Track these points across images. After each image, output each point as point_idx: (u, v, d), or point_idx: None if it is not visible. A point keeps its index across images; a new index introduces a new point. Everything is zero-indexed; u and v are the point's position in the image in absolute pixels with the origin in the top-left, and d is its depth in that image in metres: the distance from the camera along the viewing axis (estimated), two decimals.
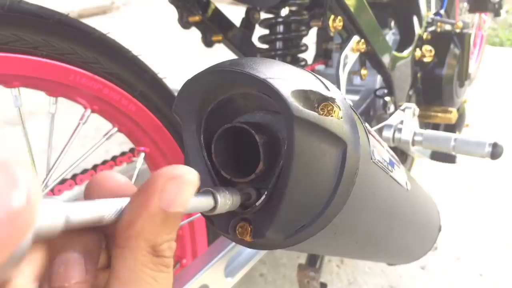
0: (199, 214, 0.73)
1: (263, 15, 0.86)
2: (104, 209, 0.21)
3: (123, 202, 0.22)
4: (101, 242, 0.23)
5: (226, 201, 0.27)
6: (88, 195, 0.23)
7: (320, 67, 1.11)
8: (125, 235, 0.21)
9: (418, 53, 1.15)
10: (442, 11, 1.39)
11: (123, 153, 0.77)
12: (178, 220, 0.22)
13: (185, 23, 0.83)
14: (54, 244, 0.21)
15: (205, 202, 0.26)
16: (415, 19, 1.16)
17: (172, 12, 0.84)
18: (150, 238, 0.21)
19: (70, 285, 0.20)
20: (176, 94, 0.31)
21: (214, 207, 0.26)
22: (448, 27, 1.35)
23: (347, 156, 0.28)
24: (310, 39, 0.93)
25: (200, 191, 0.26)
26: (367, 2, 0.86)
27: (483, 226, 1.38)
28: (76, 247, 0.21)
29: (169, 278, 0.23)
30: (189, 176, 0.22)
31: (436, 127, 1.34)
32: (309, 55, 0.97)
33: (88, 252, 0.21)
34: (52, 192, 0.68)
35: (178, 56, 2.78)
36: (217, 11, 0.85)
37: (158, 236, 0.22)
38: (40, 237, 0.18)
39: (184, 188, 0.21)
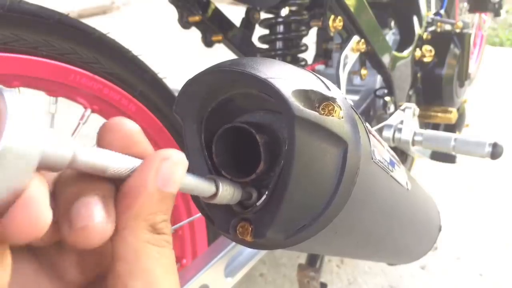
0: (199, 214, 0.72)
1: (263, 15, 0.86)
2: (111, 160, 0.22)
3: (131, 161, 0.23)
4: (115, 189, 0.24)
5: (227, 190, 0.27)
6: (100, 139, 0.23)
7: (320, 67, 1.11)
8: (124, 217, 0.22)
9: (418, 53, 1.15)
10: (442, 11, 1.39)
11: None
12: (172, 201, 0.23)
13: (185, 23, 0.83)
14: (72, 190, 0.22)
15: (207, 186, 0.26)
16: (415, 19, 1.16)
17: (172, 12, 0.84)
18: (149, 217, 0.22)
19: (94, 225, 0.20)
20: (176, 94, 0.31)
21: (215, 194, 0.27)
22: (448, 27, 1.35)
23: (348, 156, 0.28)
24: (310, 39, 0.93)
25: (204, 176, 0.27)
26: (367, 2, 0.86)
27: (483, 226, 1.38)
28: (95, 191, 0.22)
29: (172, 254, 0.24)
30: (179, 156, 0.23)
31: (436, 127, 1.34)
32: (309, 55, 0.97)
33: (106, 198, 0.22)
34: None
35: (178, 56, 2.78)
36: (217, 11, 0.85)
37: (156, 215, 0.23)
38: (48, 163, 0.19)
39: (176, 167, 0.23)
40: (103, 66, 0.62)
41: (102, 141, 0.23)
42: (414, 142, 0.97)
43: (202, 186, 0.26)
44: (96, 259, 0.25)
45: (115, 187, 0.23)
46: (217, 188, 0.27)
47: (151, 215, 0.22)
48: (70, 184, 0.22)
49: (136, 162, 0.23)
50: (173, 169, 0.23)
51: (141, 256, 0.22)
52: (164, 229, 0.23)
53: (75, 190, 0.22)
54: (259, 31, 0.86)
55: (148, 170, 0.22)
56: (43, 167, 0.19)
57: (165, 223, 0.23)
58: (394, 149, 0.98)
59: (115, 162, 0.22)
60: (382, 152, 0.37)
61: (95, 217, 0.21)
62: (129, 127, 0.23)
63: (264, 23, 0.83)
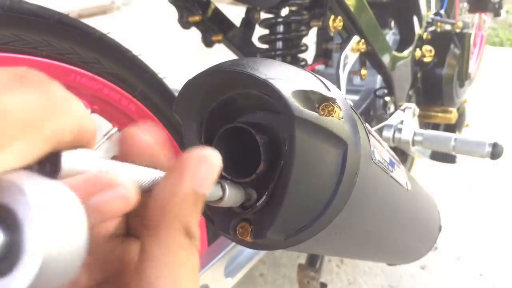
0: None
1: (263, 15, 0.86)
2: (138, 174, 0.21)
3: (156, 173, 0.22)
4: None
5: (232, 193, 0.27)
6: (124, 148, 0.23)
7: (320, 67, 1.11)
8: (158, 216, 0.21)
9: (418, 53, 1.15)
10: (442, 11, 1.39)
11: None
12: (203, 203, 0.23)
13: (185, 23, 0.83)
14: None
15: (214, 190, 0.26)
16: (415, 19, 1.16)
17: (172, 12, 0.84)
18: (184, 219, 0.22)
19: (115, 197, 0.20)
20: (176, 94, 0.31)
21: (222, 198, 0.26)
22: (448, 27, 1.35)
23: (348, 156, 0.28)
24: (310, 39, 0.93)
25: None
26: (367, 2, 0.86)
27: (483, 226, 1.38)
28: None
29: (197, 261, 0.23)
30: (217, 158, 0.23)
31: (436, 127, 1.34)
32: (309, 55, 0.97)
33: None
34: None
35: (178, 56, 2.78)
36: (217, 11, 0.85)
37: (191, 218, 0.22)
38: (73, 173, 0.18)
39: (213, 169, 0.22)
40: (103, 66, 0.62)
41: (123, 152, 0.23)
42: (414, 142, 0.97)
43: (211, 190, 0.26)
44: (103, 263, 0.25)
45: None
46: (224, 192, 0.26)
47: (186, 217, 0.22)
48: None
49: (158, 174, 0.22)
50: (210, 170, 0.22)
51: (172, 260, 0.22)
52: (195, 234, 0.23)
53: None
54: (259, 31, 0.86)
55: (186, 170, 0.22)
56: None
57: (196, 227, 0.23)
58: (394, 149, 0.98)
59: (142, 176, 0.21)
60: (382, 152, 0.37)
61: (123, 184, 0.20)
62: (144, 140, 0.23)
63: (264, 23, 0.83)
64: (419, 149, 1.00)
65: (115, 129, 0.71)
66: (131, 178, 0.21)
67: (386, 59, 0.96)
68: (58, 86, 0.20)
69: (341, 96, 0.29)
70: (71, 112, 0.19)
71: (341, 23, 0.80)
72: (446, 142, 0.93)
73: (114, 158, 0.23)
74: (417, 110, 1.02)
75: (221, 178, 0.30)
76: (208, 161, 0.22)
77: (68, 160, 0.18)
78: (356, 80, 1.17)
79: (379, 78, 1.07)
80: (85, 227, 0.17)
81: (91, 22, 0.65)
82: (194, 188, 0.22)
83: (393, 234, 0.47)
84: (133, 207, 0.20)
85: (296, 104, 0.26)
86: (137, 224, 0.25)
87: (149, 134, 0.23)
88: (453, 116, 1.23)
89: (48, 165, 0.18)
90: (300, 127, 0.26)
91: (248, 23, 0.87)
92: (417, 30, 1.16)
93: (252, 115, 0.31)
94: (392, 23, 1.18)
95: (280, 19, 0.80)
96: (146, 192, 0.22)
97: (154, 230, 0.22)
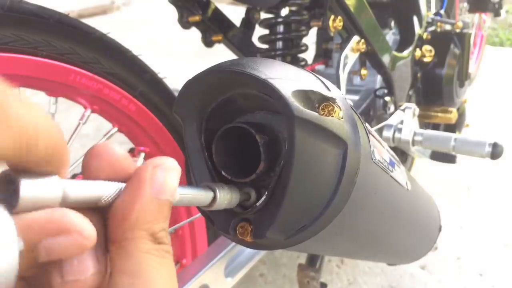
0: (199, 214, 0.72)
1: (263, 15, 0.86)
2: (103, 189, 0.21)
3: (121, 185, 0.22)
4: (105, 230, 0.23)
5: (225, 196, 0.27)
6: (86, 166, 0.23)
7: (320, 67, 1.11)
8: (122, 228, 0.21)
9: (418, 53, 1.15)
10: (442, 11, 1.39)
11: None
12: (169, 209, 0.23)
13: (185, 23, 0.83)
14: None
15: (204, 195, 0.26)
16: (415, 19, 1.16)
17: (172, 12, 0.84)
18: (148, 226, 0.22)
19: (86, 278, 0.20)
20: (176, 94, 0.31)
21: (213, 202, 0.26)
22: (448, 27, 1.35)
23: (348, 156, 0.28)
24: (310, 39, 0.93)
25: (200, 185, 0.27)
26: (367, 2, 0.86)
27: (483, 226, 1.38)
28: None
29: (172, 265, 0.23)
30: (171, 162, 0.23)
31: (436, 127, 1.34)
32: (309, 55, 0.97)
33: (98, 242, 0.21)
34: None
35: (178, 56, 2.78)
36: (217, 11, 0.85)
37: (155, 224, 0.22)
38: (37, 205, 0.18)
39: (170, 173, 0.22)
40: (103, 66, 0.62)
41: (88, 167, 0.22)
42: (414, 142, 0.97)
43: (199, 196, 0.26)
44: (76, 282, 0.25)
45: (102, 221, 0.23)
46: (215, 196, 0.26)
47: (150, 224, 0.22)
48: None
49: (121, 186, 0.22)
50: (167, 176, 0.22)
51: (142, 268, 0.21)
52: (163, 239, 0.23)
53: None
54: (259, 31, 0.86)
55: (142, 178, 0.22)
56: (33, 209, 0.18)
57: (165, 232, 0.23)
58: (394, 149, 0.98)
59: (107, 190, 0.21)
60: (382, 152, 0.37)
61: (88, 270, 0.20)
62: (115, 152, 0.23)
63: (264, 23, 0.83)
64: (419, 149, 1.00)
65: (115, 129, 0.71)
66: (94, 195, 0.21)
67: (386, 59, 0.96)
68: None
69: (341, 96, 0.29)
70: (9, 124, 0.16)
71: (341, 23, 0.80)
72: (446, 142, 0.93)
73: (75, 176, 0.22)
74: (417, 110, 1.02)
75: (220, 180, 0.30)
76: (163, 167, 0.22)
77: (26, 187, 0.18)
78: (356, 80, 1.17)
79: (379, 78, 1.07)
80: (15, 257, 0.16)
81: (91, 22, 0.65)
82: (153, 194, 0.22)
83: (393, 234, 0.47)
84: (91, 247, 0.19)
85: (296, 104, 0.26)
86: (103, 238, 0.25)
87: (118, 148, 0.23)
88: (453, 116, 1.23)
89: (8, 194, 0.18)
90: (300, 127, 0.26)
91: (248, 23, 0.87)
92: (417, 30, 1.16)
93: (252, 115, 0.31)
94: (392, 23, 1.18)
95: (280, 19, 0.80)
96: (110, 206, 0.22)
97: (119, 243, 0.22)
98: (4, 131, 0.16)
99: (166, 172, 0.22)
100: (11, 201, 0.18)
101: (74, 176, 0.74)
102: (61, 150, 0.19)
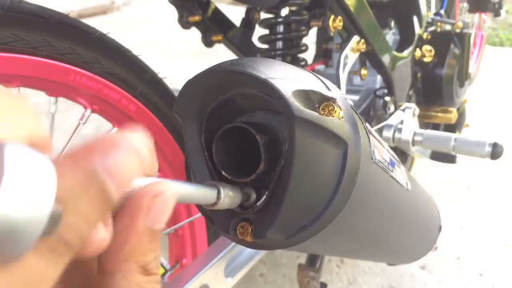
0: (199, 214, 0.72)
1: (263, 15, 0.86)
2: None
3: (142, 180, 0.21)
4: None
5: (228, 196, 0.27)
6: None
7: (320, 67, 1.11)
8: (115, 260, 0.21)
9: (418, 53, 1.15)
10: (442, 11, 1.39)
11: None
12: (161, 234, 0.22)
13: (185, 23, 0.83)
14: None
15: (208, 194, 0.26)
16: (415, 19, 1.15)
17: (172, 12, 0.84)
18: (140, 258, 0.21)
19: (95, 238, 0.20)
20: (176, 94, 0.31)
21: (217, 201, 0.26)
22: (448, 27, 1.35)
23: (348, 156, 0.28)
24: (310, 39, 0.93)
25: (204, 183, 0.26)
26: (367, 2, 0.86)
27: (483, 226, 1.38)
28: None
29: None
30: (171, 190, 0.22)
31: (436, 127, 1.34)
32: (309, 55, 0.97)
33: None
34: None
35: (178, 56, 2.78)
36: (217, 11, 0.85)
37: (147, 256, 0.22)
38: None
39: (168, 202, 0.22)
40: (103, 66, 0.62)
41: None
42: (414, 142, 0.97)
43: (204, 194, 0.25)
44: (83, 277, 0.25)
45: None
46: (219, 195, 0.26)
47: (142, 256, 0.22)
48: None
49: (143, 181, 0.22)
50: (165, 205, 0.21)
51: None
52: (154, 269, 0.22)
53: None
54: (259, 31, 0.86)
55: (139, 209, 0.21)
56: None
57: (155, 261, 0.22)
58: (394, 149, 0.98)
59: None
60: (382, 152, 0.37)
61: (97, 231, 0.20)
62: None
63: (264, 23, 0.83)
64: (419, 149, 1.00)
65: (115, 129, 0.71)
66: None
67: (386, 59, 0.96)
68: None
69: (341, 96, 0.29)
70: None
71: (341, 23, 0.80)
72: (446, 142, 0.93)
73: None
74: (417, 110, 1.02)
75: (220, 179, 0.30)
76: (162, 197, 0.21)
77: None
78: (356, 80, 1.17)
79: (379, 78, 1.07)
80: (51, 201, 0.16)
81: (91, 22, 0.65)
82: (148, 226, 0.21)
83: (393, 234, 0.47)
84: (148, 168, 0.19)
85: (296, 103, 0.26)
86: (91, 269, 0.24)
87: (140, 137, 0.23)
88: (453, 116, 1.23)
89: None
90: (300, 127, 0.26)
91: (248, 23, 0.87)
92: (417, 30, 1.16)
93: (252, 115, 0.31)
94: (392, 23, 1.18)
95: (280, 19, 0.80)
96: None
97: (111, 275, 0.21)
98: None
99: (165, 202, 0.21)
100: None
101: None
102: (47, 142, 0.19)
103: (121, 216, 0.21)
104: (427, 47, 1.15)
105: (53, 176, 0.16)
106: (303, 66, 0.87)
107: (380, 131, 0.96)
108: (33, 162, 0.15)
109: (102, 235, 0.20)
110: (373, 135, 0.36)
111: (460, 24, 1.30)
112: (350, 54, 0.84)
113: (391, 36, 1.19)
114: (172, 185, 0.22)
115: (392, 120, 0.96)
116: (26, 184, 0.15)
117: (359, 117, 0.32)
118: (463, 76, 1.32)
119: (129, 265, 0.21)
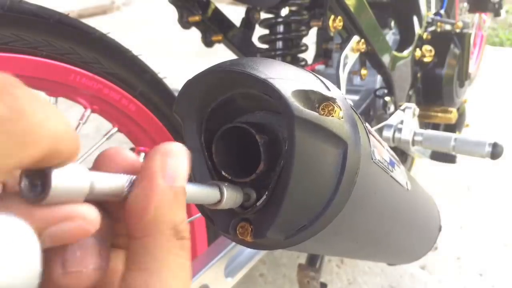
0: (199, 214, 0.72)
1: (263, 15, 0.86)
2: (124, 181, 0.21)
3: (131, 177, 0.22)
4: (111, 227, 0.22)
5: (231, 196, 0.27)
6: (96, 169, 0.22)
7: (320, 67, 1.11)
8: (142, 223, 0.21)
9: (418, 53, 1.15)
10: (442, 11, 1.39)
11: None
12: (185, 197, 0.22)
13: (185, 23, 0.83)
14: None
15: (211, 194, 0.26)
16: (415, 19, 1.15)
17: (172, 12, 0.84)
18: (169, 219, 0.21)
19: (88, 271, 0.20)
20: (176, 94, 0.31)
21: (220, 201, 0.26)
22: (448, 27, 1.35)
23: (348, 156, 0.28)
24: (310, 39, 0.93)
25: (207, 183, 0.26)
26: (367, 2, 0.86)
27: (483, 226, 1.38)
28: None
29: (188, 265, 0.22)
30: (179, 147, 0.22)
31: (436, 127, 1.34)
32: (309, 55, 0.97)
33: (102, 237, 0.21)
34: None
35: (178, 56, 2.78)
36: (217, 11, 0.85)
37: (176, 215, 0.21)
38: (65, 201, 0.18)
39: (180, 159, 0.21)
40: (103, 66, 0.62)
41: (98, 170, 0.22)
42: (414, 142, 0.97)
43: (207, 194, 0.25)
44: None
45: (112, 219, 0.22)
46: (222, 195, 0.26)
47: (171, 216, 0.21)
48: None
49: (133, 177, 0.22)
50: (177, 162, 0.21)
51: (163, 269, 0.21)
52: (185, 232, 0.22)
53: None
54: (259, 31, 0.86)
55: (153, 169, 0.21)
56: (60, 201, 0.18)
57: (185, 224, 0.22)
58: (394, 149, 0.98)
59: (128, 183, 0.21)
60: (382, 152, 0.37)
61: (90, 263, 0.20)
62: (127, 156, 0.22)
63: (264, 23, 0.83)
64: (419, 149, 1.00)
65: (115, 129, 0.71)
66: (116, 187, 0.20)
67: (386, 59, 0.96)
68: (23, 95, 0.16)
69: (341, 96, 0.29)
70: (39, 139, 0.16)
71: (341, 23, 0.80)
72: (446, 142, 0.93)
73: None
74: (417, 110, 1.02)
75: (220, 179, 0.30)
76: (172, 153, 0.21)
77: (57, 177, 0.17)
78: (356, 80, 1.17)
79: (379, 78, 1.07)
80: (38, 259, 0.16)
81: (91, 22, 0.65)
82: (167, 184, 0.21)
83: (393, 234, 0.47)
84: (94, 231, 0.19)
85: (296, 103, 0.26)
86: (120, 232, 0.24)
87: (129, 153, 0.22)
88: (453, 116, 1.23)
89: (39, 185, 0.17)
90: (300, 127, 0.26)
91: (248, 23, 0.87)
92: (417, 30, 1.16)
93: (252, 115, 0.31)
94: (392, 23, 1.18)
95: (280, 19, 0.80)
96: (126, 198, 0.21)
97: (140, 239, 0.21)
98: (27, 143, 0.16)
99: (176, 158, 0.21)
100: (38, 194, 0.17)
101: None
102: (75, 156, 0.19)
103: (139, 181, 0.21)
104: (427, 47, 1.15)
105: (33, 238, 0.16)
106: (303, 66, 0.87)
107: (380, 131, 0.96)
108: (10, 229, 0.16)
109: (96, 266, 0.20)
110: (373, 135, 0.36)
111: (460, 24, 1.30)
112: (350, 54, 0.84)
113: (391, 36, 1.19)
114: (180, 144, 0.22)
115: (392, 120, 0.96)
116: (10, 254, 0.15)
117: (359, 117, 0.32)
118: (463, 76, 1.32)
119: (159, 227, 0.21)
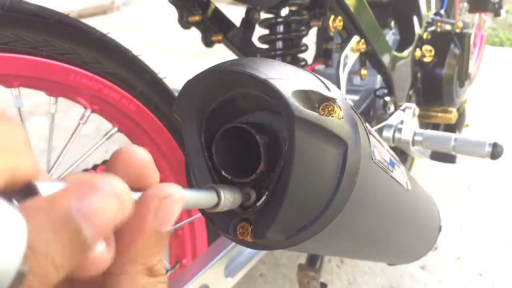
0: (199, 214, 0.73)
1: (263, 15, 0.86)
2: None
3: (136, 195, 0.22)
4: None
5: (228, 198, 0.27)
6: (112, 167, 0.22)
7: (320, 67, 1.11)
8: (120, 262, 0.21)
9: (418, 53, 1.15)
10: (442, 11, 1.39)
11: None
12: (167, 236, 0.22)
13: (185, 23, 0.83)
14: None
15: (209, 198, 0.26)
16: (415, 19, 1.15)
17: (172, 12, 0.84)
18: (146, 260, 0.21)
19: (94, 255, 0.19)
20: (176, 94, 0.31)
21: (217, 204, 0.26)
22: (448, 27, 1.35)
23: (348, 156, 0.28)
24: (310, 39, 0.93)
25: (204, 187, 0.26)
26: (367, 2, 0.86)
27: (483, 226, 1.38)
28: None
29: None
30: (178, 192, 0.22)
31: (436, 127, 1.34)
32: (309, 55, 0.97)
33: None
34: None
35: (178, 56, 2.78)
36: (217, 11, 0.85)
37: (153, 258, 0.22)
38: None
39: (175, 205, 0.22)
40: (103, 66, 0.62)
41: (113, 169, 0.22)
42: (414, 142, 0.97)
43: (204, 199, 0.25)
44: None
45: None
46: (219, 198, 0.26)
47: (148, 258, 0.21)
48: None
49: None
50: (172, 208, 0.21)
51: None
52: (160, 270, 0.22)
53: None
54: (259, 31, 0.86)
55: (147, 211, 0.21)
56: None
57: (161, 263, 0.22)
58: (394, 149, 0.98)
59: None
60: (382, 152, 0.37)
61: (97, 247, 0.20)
62: (143, 157, 0.22)
63: (264, 23, 0.83)
64: (419, 149, 1.00)
65: (115, 129, 0.71)
66: None
67: (386, 59, 0.96)
68: None
69: (341, 96, 0.29)
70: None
71: (341, 23, 0.80)
72: (446, 142, 0.93)
73: (96, 167, 0.22)
74: (417, 110, 1.02)
75: (220, 180, 0.30)
76: (170, 200, 0.21)
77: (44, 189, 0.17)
78: (356, 80, 1.17)
79: (379, 78, 1.07)
80: (21, 252, 0.15)
81: (91, 22, 0.65)
82: (155, 228, 0.21)
83: (393, 234, 0.47)
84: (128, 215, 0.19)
85: (296, 104, 0.26)
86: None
87: (145, 153, 0.22)
88: (453, 116, 1.23)
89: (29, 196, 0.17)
90: (300, 127, 0.26)
91: (248, 23, 0.87)
92: (417, 30, 1.16)
93: (252, 115, 0.31)
94: (392, 23, 1.18)
95: (280, 19, 0.80)
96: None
97: (116, 277, 0.21)
98: None
99: (172, 204, 0.21)
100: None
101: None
102: (37, 170, 0.19)
103: (131, 218, 0.21)
104: (427, 47, 1.15)
105: (22, 232, 0.16)
106: (303, 66, 0.87)
107: (380, 131, 0.96)
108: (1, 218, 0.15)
109: (103, 254, 0.20)
110: (373, 135, 0.36)
111: (460, 24, 1.30)
112: (350, 54, 0.84)
113: (391, 36, 1.19)
114: (179, 187, 0.22)
115: (392, 120, 0.96)
116: None
117: (359, 117, 0.32)
118: (463, 76, 1.32)
119: (135, 267, 0.21)
